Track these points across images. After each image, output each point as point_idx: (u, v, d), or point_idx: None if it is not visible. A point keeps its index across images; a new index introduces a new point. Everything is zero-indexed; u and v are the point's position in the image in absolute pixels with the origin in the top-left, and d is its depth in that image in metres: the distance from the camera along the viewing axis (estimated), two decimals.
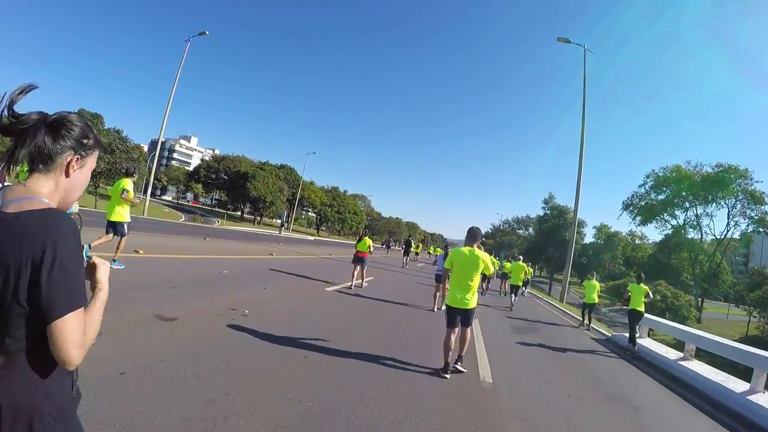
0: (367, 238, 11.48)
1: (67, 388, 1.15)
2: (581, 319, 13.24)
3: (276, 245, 20.97)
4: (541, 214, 59.38)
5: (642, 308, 9.50)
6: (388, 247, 43.27)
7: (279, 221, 53.91)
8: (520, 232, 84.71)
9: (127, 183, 7.49)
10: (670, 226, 48.78)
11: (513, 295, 14.07)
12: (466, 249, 5.22)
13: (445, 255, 9.73)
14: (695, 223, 45.92)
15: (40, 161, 1.11)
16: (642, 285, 9.67)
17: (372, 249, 11.42)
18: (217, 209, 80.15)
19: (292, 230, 62.46)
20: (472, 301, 5.12)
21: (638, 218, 49.01)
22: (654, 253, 72.81)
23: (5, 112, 1.07)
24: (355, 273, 10.98)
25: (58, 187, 1.13)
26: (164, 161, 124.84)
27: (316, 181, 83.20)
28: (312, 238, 51.83)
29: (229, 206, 76.06)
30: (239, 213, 75.25)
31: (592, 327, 12.64)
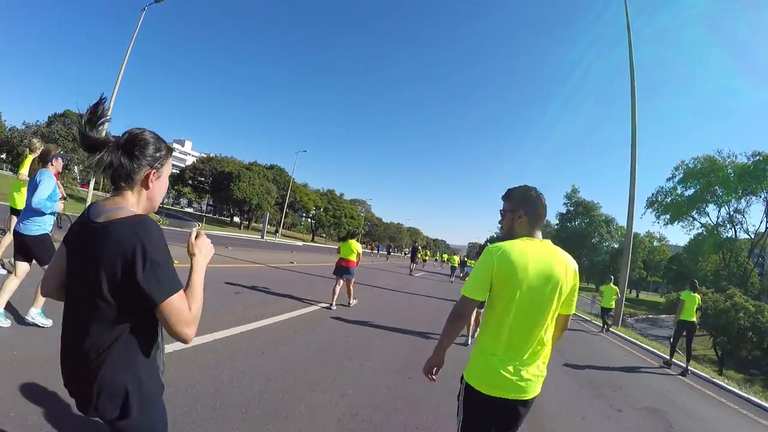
0: (353, 241, 8.55)
1: (156, 375, 1.32)
2: (601, 324, 13.63)
3: (223, 249, 16.05)
4: (563, 211, 51.51)
5: (694, 318, 8.54)
6: (389, 253, 39.91)
7: (261, 225, 49.35)
8: None
9: None
10: (699, 225, 43.38)
11: None
12: (533, 243, 1.90)
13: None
14: (729, 220, 40.51)
15: (121, 180, 1.27)
16: (695, 294, 8.66)
17: (361, 256, 8.63)
18: (210, 215, 75.96)
19: (283, 235, 57.58)
20: (540, 379, 1.93)
21: (664, 217, 43.64)
22: (674, 257, 67.38)
23: (84, 130, 1.23)
24: (337, 289, 8.14)
25: (141, 198, 1.31)
26: None
27: (312, 185, 78.77)
28: (300, 243, 46.95)
29: (224, 212, 71.47)
30: (230, 218, 70.59)
31: (609, 330, 13.30)
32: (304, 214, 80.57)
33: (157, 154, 1.32)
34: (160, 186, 1.36)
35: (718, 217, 41.14)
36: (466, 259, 44.05)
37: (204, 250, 1.39)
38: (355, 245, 8.50)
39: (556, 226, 71.95)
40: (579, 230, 46.58)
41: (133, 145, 1.27)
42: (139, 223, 1.21)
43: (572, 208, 48.44)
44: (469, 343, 6.95)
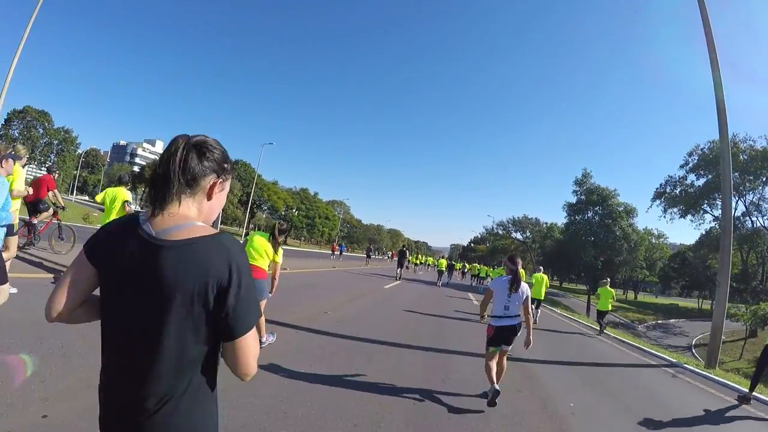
0: (260, 236, 4.97)
1: (217, 424, 1.16)
2: (598, 328, 12.74)
3: None
4: (573, 200, 42.22)
5: None
6: (369, 256, 35.82)
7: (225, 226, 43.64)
8: (517, 235, 74.37)
9: (126, 194, 6.46)
10: (711, 218, 38.52)
11: (537, 310, 12.56)
12: None
13: (513, 280, 4.54)
14: (749, 211, 35.76)
15: (186, 184, 1.10)
16: None
17: (279, 266, 5.07)
18: None
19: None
20: None
21: (672, 210, 38.66)
22: (675, 255, 62.97)
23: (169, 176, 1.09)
24: None
25: (202, 210, 1.15)
26: (125, 166, 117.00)
27: (286, 184, 72.65)
28: None
29: None
30: None
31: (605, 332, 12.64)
32: (263, 211, 74.49)
33: (225, 165, 1.18)
34: (220, 200, 1.21)
35: (735, 209, 36.30)
36: (453, 262, 40.29)
37: None
38: (268, 246, 4.87)
39: (547, 225, 66.52)
40: (592, 224, 39.64)
41: (204, 147, 1.13)
42: (229, 242, 1.07)
43: (583, 197, 40.18)
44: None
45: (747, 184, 35.67)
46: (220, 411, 1.16)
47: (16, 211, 5.39)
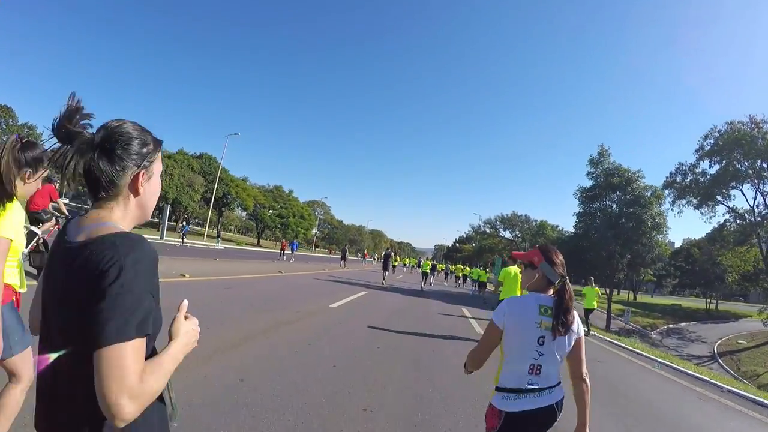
0: None
1: None
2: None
3: None
4: (588, 184, 34.20)
5: None
6: (344, 257, 31.87)
7: (181, 226, 38.92)
8: (506, 233, 70.11)
9: None
10: (725, 210, 34.25)
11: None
12: None
13: (560, 307, 1.75)
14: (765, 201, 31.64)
15: (102, 189, 0.98)
16: None
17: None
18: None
19: (224, 240, 45.80)
20: None
21: (682, 201, 34.30)
22: (677, 251, 59.28)
23: (55, 131, 0.95)
24: None
25: (129, 207, 1.02)
26: None
27: (258, 182, 67.24)
28: (221, 247, 35.26)
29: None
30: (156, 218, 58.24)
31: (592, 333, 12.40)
32: (248, 215, 68.88)
33: (144, 150, 1.02)
34: (151, 188, 1.06)
35: (755, 198, 31.98)
36: (435, 263, 36.77)
37: (184, 338, 0.99)
38: None
39: (537, 222, 62.21)
40: (611, 214, 32.23)
41: (112, 142, 0.96)
42: (122, 238, 0.89)
43: (601, 179, 32.71)
44: None
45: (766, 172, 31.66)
46: None
47: None
